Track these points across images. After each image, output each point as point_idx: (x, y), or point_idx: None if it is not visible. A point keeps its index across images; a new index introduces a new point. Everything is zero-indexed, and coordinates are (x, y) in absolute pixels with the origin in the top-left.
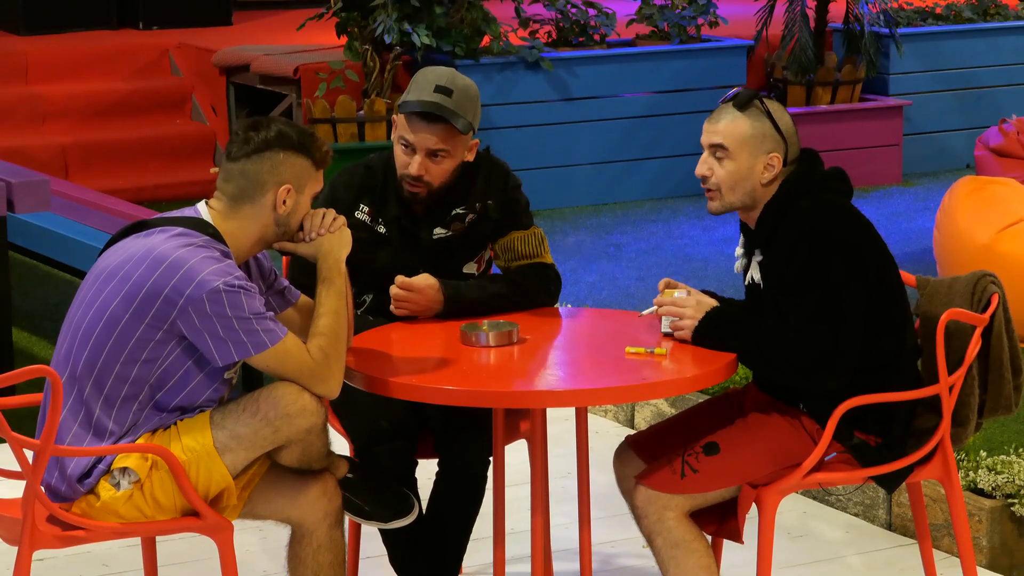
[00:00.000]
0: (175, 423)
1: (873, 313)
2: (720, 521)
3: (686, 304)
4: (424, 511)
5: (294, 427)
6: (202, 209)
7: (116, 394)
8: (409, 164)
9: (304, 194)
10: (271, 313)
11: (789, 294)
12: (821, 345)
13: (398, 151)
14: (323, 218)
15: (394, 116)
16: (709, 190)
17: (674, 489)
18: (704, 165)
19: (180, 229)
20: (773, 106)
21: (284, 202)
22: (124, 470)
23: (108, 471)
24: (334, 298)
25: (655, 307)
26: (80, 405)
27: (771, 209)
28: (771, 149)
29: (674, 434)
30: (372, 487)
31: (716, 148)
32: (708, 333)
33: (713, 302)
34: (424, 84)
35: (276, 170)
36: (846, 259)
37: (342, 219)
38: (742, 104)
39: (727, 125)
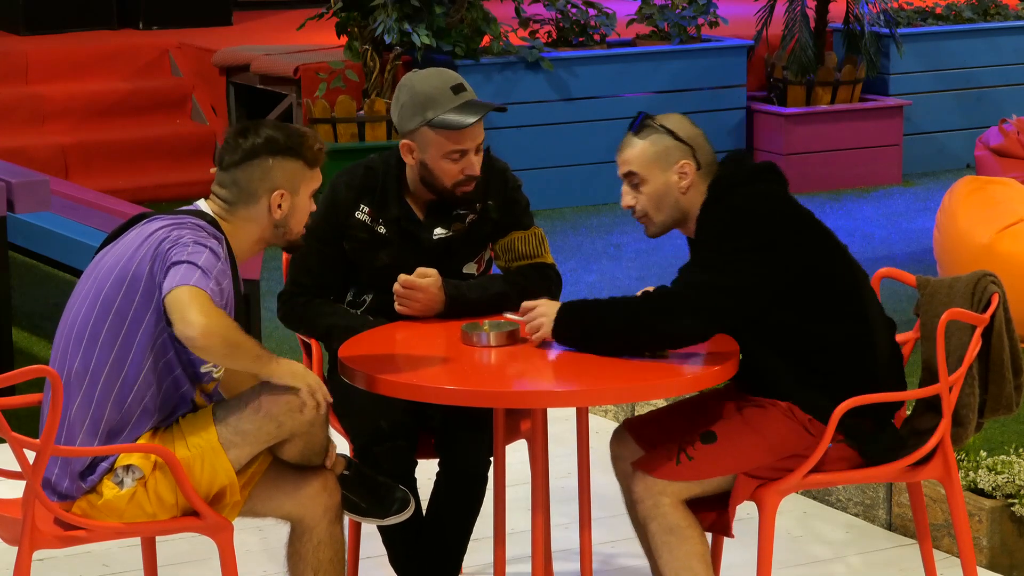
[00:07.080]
0: (176, 420)
1: (797, 299)
2: (717, 516)
3: (537, 305)
4: (424, 511)
5: (297, 420)
6: (202, 204)
7: (113, 381)
8: (466, 168)
9: (300, 194)
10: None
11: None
12: (688, 288)
13: (444, 165)
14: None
15: (408, 141)
16: (640, 218)
17: (669, 475)
18: (627, 196)
19: (174, 217)
20: (670, 120)
21: (279, 206)
22: (128, 467)
23: (111, 469)
24: (253, 363)
25: (517, 316)
26: (83, 398)
27: (705, 213)
28: (679, 159)
29: (672, 422)
30: (368, 484)
31: (630, 176)
32: (567, 324)
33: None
34: (441, 93)
35: (267, 176)
36: (754, 232)
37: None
38: (637, 129)
39: (631, 152)
